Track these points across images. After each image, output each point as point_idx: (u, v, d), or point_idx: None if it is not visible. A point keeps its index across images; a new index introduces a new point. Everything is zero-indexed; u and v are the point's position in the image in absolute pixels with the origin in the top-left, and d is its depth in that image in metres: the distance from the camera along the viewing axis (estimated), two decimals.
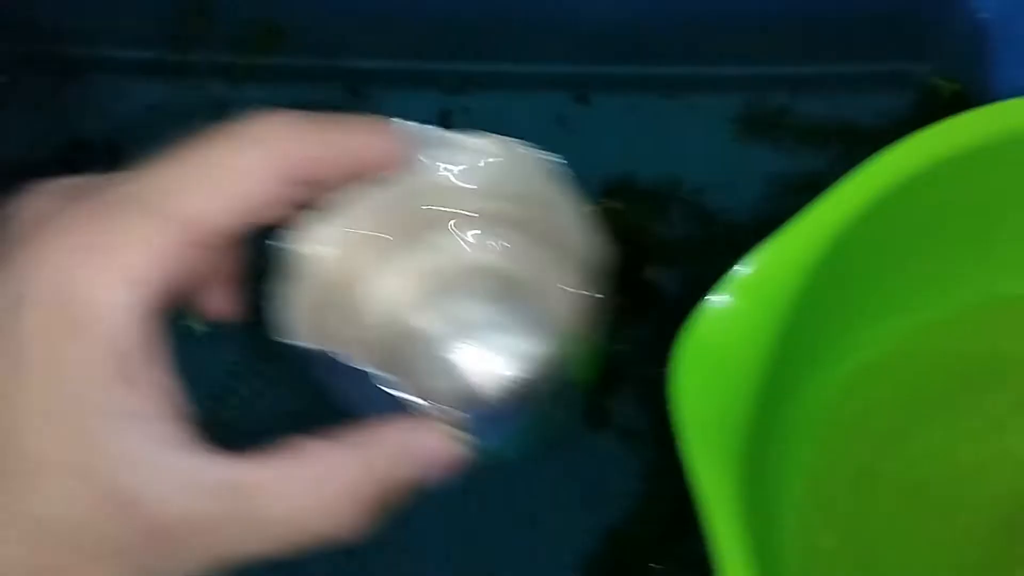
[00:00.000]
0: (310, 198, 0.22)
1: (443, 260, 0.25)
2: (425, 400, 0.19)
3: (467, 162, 0.24)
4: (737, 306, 0.31)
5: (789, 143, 0.55)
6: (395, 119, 0.23)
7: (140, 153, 0.58)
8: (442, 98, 0.59)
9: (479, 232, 0.25)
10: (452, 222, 0.25)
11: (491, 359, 0.23)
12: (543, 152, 0.26)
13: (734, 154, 0.56)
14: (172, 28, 0.54)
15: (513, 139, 0.25)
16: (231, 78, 0.57)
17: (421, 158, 0.23)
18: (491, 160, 0.24)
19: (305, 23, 0.54)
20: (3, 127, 0.59)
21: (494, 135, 0.25)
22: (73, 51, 0.59)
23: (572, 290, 0.23)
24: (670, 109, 0.58)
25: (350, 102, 0.59)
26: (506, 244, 0.25)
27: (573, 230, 0.24)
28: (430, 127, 0.24)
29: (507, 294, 0.24)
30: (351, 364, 0.19)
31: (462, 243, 0.25)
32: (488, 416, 0.20)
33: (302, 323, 0.21)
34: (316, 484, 0.16)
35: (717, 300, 0.32)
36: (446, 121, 0.60)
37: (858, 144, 0.55)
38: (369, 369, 0.18)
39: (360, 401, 0.20)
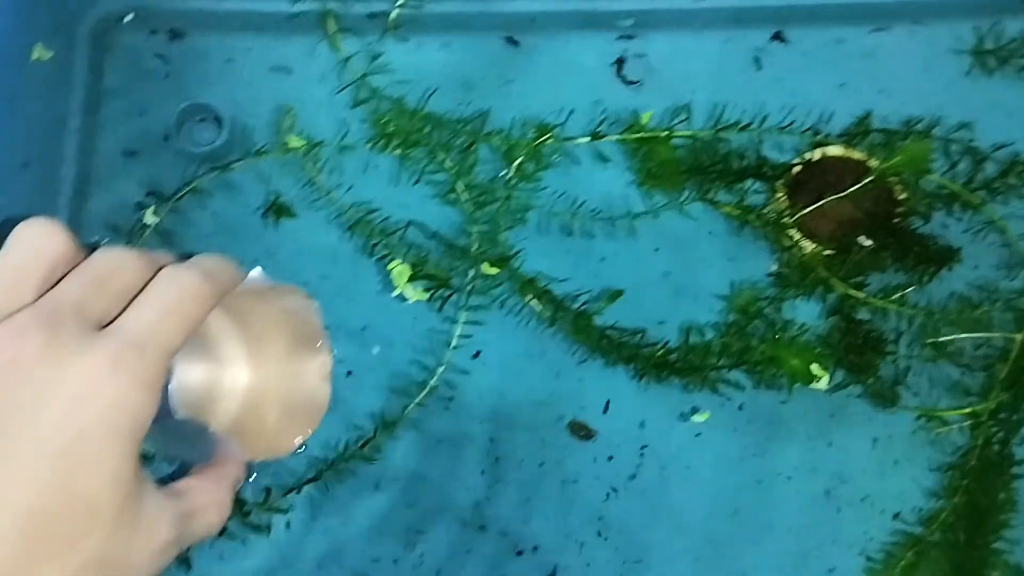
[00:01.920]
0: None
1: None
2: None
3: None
4: None
5: None
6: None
7: (258, 124, 0.49)
8: (613, 44, 0.52)
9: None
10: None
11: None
12: None
13: (970, 88, 0.49)
14: None
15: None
16: (377, 31, 0.48)
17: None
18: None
19: None
20: (110, 93, 0.50)
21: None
22: (184, 5, 0.50)
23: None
24: (883, 42, 0.51)
25: (509, 56, 0.52)
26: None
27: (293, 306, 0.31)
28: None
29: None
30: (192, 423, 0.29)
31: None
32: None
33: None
34: (215, 501, 0.28)
35: None
36: (620, 70, 0.53)
37: None
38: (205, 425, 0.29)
39: (191, 448, 0.30)
